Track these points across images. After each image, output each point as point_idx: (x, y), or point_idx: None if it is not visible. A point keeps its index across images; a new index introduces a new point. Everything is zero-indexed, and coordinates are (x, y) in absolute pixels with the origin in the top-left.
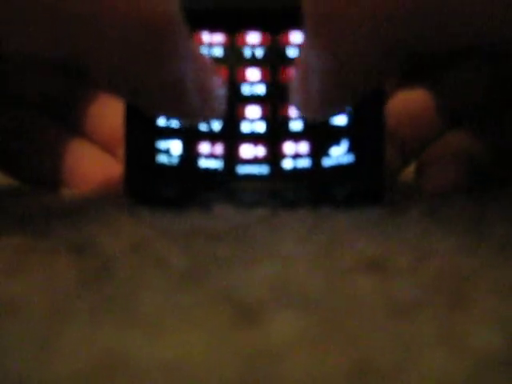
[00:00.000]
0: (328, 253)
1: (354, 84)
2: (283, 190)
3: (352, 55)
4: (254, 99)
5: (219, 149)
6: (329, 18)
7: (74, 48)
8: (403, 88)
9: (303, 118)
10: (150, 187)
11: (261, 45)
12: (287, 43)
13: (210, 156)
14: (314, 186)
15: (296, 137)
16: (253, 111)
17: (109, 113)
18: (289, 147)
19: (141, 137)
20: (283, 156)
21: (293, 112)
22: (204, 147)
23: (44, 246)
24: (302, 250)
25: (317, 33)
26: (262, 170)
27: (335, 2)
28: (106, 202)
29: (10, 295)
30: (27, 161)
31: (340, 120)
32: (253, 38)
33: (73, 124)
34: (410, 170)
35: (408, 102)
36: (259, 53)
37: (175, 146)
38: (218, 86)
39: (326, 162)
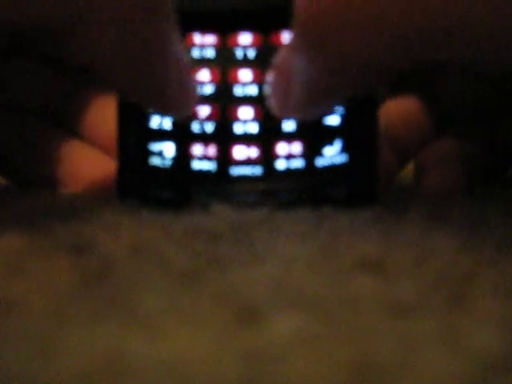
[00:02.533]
0: (328, 253)
1: (336, 88)
2: (277, 190)
3: (338, 60)
4: (246, 100)
5: (212, 150)
6: (318, 20)
7: (64, 11)
8: (396, 91)
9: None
10: (143, 189)
11: (253, 46)
12: (279, 44)
13: (203, 158)
14: (308, 187)
15: (289, 137)
16: (245, 112)
17: (107, 115)
18: (282, 148)
19: (133, 139)
20: (276, 157)
21: None
22: (197, 149)
23: (44, 246)
24: (302, 250)
25: (304, 35)
26: (256, 170)
27: (325, 4)
28: (106, 202)
29: (10, 295)
30: (26, 163)
31: (333, 120)
32: (245, 38)
33: (71, 126)
34: (409, 171)
35: (401, 105)
36: (251, 54)
37: (168, 148)
38: (193, 81)
39: (320, 163)
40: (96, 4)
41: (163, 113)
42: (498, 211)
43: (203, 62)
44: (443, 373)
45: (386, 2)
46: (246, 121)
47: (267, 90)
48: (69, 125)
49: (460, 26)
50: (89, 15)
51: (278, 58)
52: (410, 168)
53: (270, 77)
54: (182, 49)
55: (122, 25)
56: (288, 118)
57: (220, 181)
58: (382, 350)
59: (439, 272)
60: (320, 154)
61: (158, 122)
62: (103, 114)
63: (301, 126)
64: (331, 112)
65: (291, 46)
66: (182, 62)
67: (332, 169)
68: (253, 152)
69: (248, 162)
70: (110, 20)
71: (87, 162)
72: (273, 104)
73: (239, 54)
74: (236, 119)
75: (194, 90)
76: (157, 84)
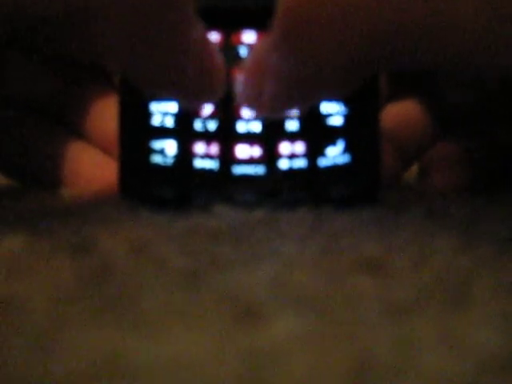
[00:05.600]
0: (328, 253)
1: (309, 86)
2: (279, 190)
3: (312, 56)
4: None
5: (215, 149)
6: (293, 14)
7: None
8: (397, 94)
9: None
10: (145, 188)
11: None
12: None
13: (205, 156)
14: (310, 187)
15: (292, 137)
16: (248, 111)
17: (108, 114)
18: (285, 147)
19: (135, 137)
20: (279, 156)
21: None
22: (199, 147)
23: (44, 246)
24: (302, 250)
25: (285, 35)
26: (258, 170)
27: (308, 6)
28: (106, 202)
29: (10, 295)
30: (27, 161)
31: (336, 120)
32: (248, 37)
33: (72, 125)
34: (409, 171)
35: (403, 108)
36: None
37: (170, 146)
38: (219, 68)
39: (322, 163)
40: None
41: (184, 102)
42: (498, 211)
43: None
44: (443, 373)
45: None
46: (249, 119)
47: (237, 87)
48: (69, 122)
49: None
50: (104, 7)
51: (253, 54)
52: (409, 168)
53: (241, 74)
54: (203, 33)
55: (140, 15)
56: (259, 115)
57: (222, 180)
58: (382, 350)
59: (439, 272)
60: (323, 154)
61: (159, 119)
62: (104, 112)
63: (304, 125)
64: (303, 110)
65: (268, 41)
66: (205, 46)
67: (334, 169)
68: (255, 151)
69: (251, 161)
70: (126, 12)
71: (88, 162)
72: (244, 101)
73: (243, 52)
74: (239, 118)
75: (221, 73)
76: (177, 70)
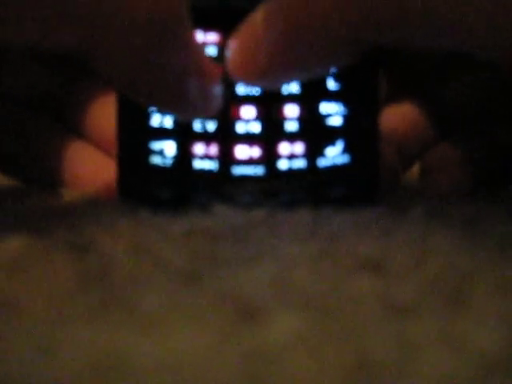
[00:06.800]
0: (328, 253)
1: (306, 55)
2: (279, 190)
3: (313, 30)
4: (249, 99)
5: (214, 149)
6: None
7: (77, 37)
8: (398, 94)
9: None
10: (144, 188)
11: None
12: None
13: (204, 157)
14: (310, 187)
15: (291, 137)
16: (248, 111)
17: (108, 113)
18: (284, 148)
19: (134, 137)
20: (278, 157)
21: (288, 112)
22: (198, 148)
23: (44, 246)
24: (302, 250)
25: (281, 3)
26: (258, 170)
27: None
28: (106, 202)
29: (10, 295)
30: (27, 161)
31: (336, 121)
32: None
33: (72, 124)
34: (410, 171)
35: (403, 108)
36: None
37: (169, 147)
38: (216, 83)
39: (322, 163)
40: (110, 29)
41: (182, 116)
42: (498, 211)
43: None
44: (443, 373)
45: None
46: (248, 120)
47: (228, 53)
48: (69, 121)
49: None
50: (106, 34)
51: (248, 22)
52: (410, 169)
53: (233, 40)
54: (202, 50)
55: (140, 37)
56: (249, 83)
57: (221, 180)
58: (382, 350)
59: (439, 272)
60: (322, 154)
61: (158, 120)
62: (104, 112)
63: (303, 126)
64: (291, 82)
65: (264, 8)
66: (203, 64)
67: (334, 169)
68: (255, 152)
69: (250, 161)
70: (128, 35)
71: (88, 161)
72: (234, 67)
73: None
74: (238, 118)
75: (218, 90)
76: (178, 89)
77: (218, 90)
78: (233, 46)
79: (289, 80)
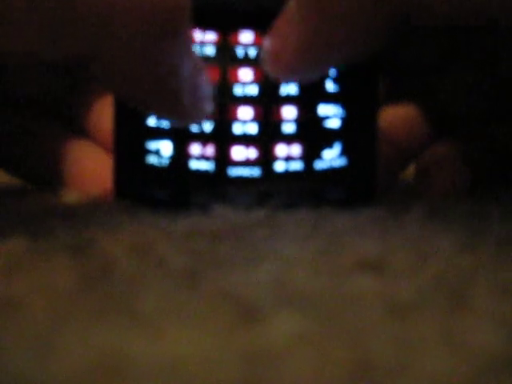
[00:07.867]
0: (328, 253)
1: (337, 45)
2: (275, 192)
3: (328, 21)
4: (246, 100)
5: (210, 150)
6: None
7: (77, 48)
8: (395, 94)
9: (275, 80)
10: (140, 189)
11: (254, 44)
12: None
13: (200, 157)
14: (306, 189)
15: (288, 139)
16: (245, 112)
17: (110, 112)
18: (281, 149)
19: (130, 137)
20: (275, 158)
21: (286, 114)
22: (195, 148)
23: (44, 246)
24: (302, 251)
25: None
26: (254, 172)
27: None
28: (106, 202)
29: (10, 295)
30: (28, 160)
31: (333, 123)
32: (246, 37)
33: (74, 124)
34: (408, 171)
35: (401, 108)
36: (252, 53)
37: (165, 147)
38: (208, 86)
39: (319, 165)
40: (111, 38)
41: (179, 122)
42: (498, 211)
43: (203, 60)
44: (443, 373)
45: None
46: (245, 121)
47: (263, 53)
48: (70, 120)
49: None
50: (104, 48)
51: (277, 19)
52: (409, 168)
53: (266, 40)
54: (196, 56)
55: (139, 44)
56: (284, 80)
57: (218, 181)
58: (382, 350)
59: (439, 272)
60: (319, 156)
61: (155, 120)
62: (106, 111)
63: (301, 128)
64: (325, 75)
65: (289, 7)
66: (196, 70)
67: (331, 172)
68: (251, 153)
69: (246, 162)
70: (128, 43)
71: (89, 161)
72: (268, 66)
73: (240, 52)
74: (235, 119)
75: (209, 96)
76: (172, 95)
77: (209, 92)
78: (265, 47)
79: (319, 73)
